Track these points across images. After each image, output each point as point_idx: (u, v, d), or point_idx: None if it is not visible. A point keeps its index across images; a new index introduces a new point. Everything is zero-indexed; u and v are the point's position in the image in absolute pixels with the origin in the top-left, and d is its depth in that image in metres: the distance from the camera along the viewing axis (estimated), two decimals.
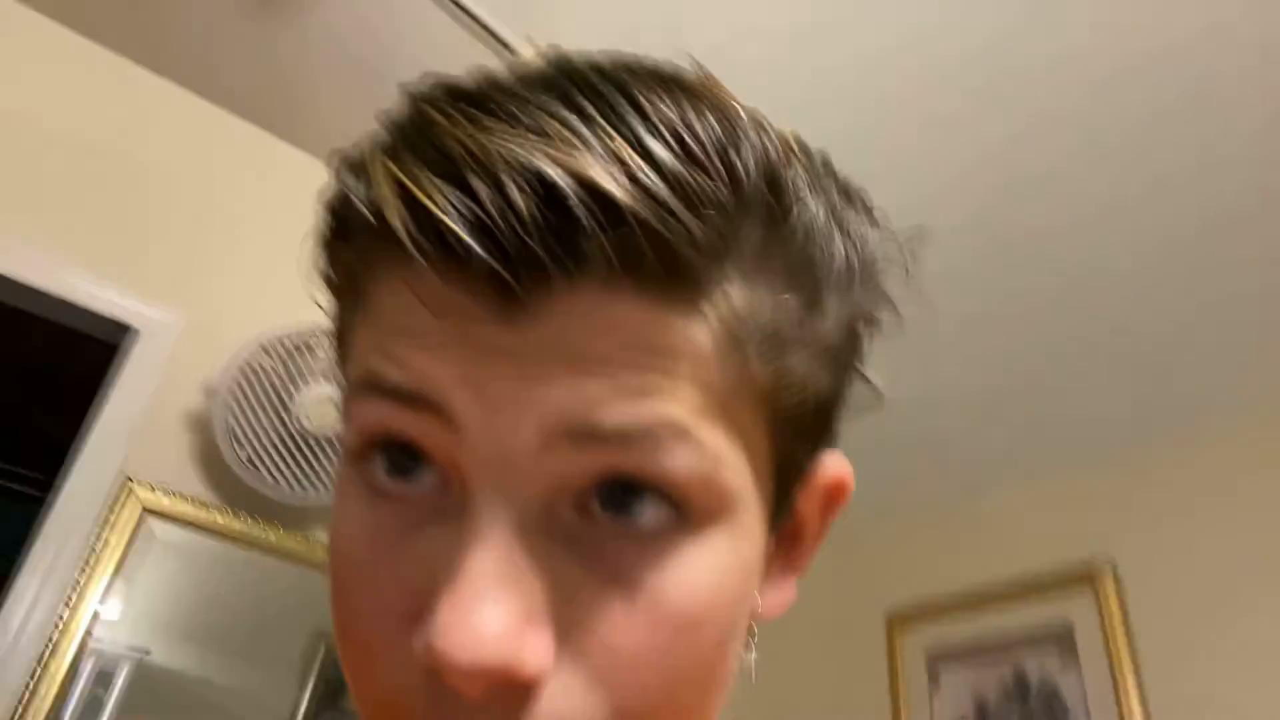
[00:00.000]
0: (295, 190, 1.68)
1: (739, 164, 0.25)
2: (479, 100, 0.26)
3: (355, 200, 0.26)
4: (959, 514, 2.47)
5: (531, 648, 0.24)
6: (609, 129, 0.24)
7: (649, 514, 0.25)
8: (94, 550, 1.26)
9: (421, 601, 0.24)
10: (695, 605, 0.26)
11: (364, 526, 0.27)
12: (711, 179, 0.25)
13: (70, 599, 1.22)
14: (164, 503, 1.33)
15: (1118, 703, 1.97)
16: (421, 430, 0.26)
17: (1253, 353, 1.86)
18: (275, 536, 1.42)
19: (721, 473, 0.26)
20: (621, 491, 0.25)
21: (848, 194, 0.31)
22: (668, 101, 0.26)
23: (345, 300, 0.30)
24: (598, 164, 0.23)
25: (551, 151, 0.23)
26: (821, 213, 0.28)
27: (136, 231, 1.48)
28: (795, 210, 0.27)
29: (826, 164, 0.30)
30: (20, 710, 1.15)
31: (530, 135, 0.24)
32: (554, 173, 0.23)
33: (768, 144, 0.27)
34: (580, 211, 0.23)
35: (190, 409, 1.39)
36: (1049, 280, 1.77)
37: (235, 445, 1.31)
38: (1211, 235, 1.61)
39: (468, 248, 0.23)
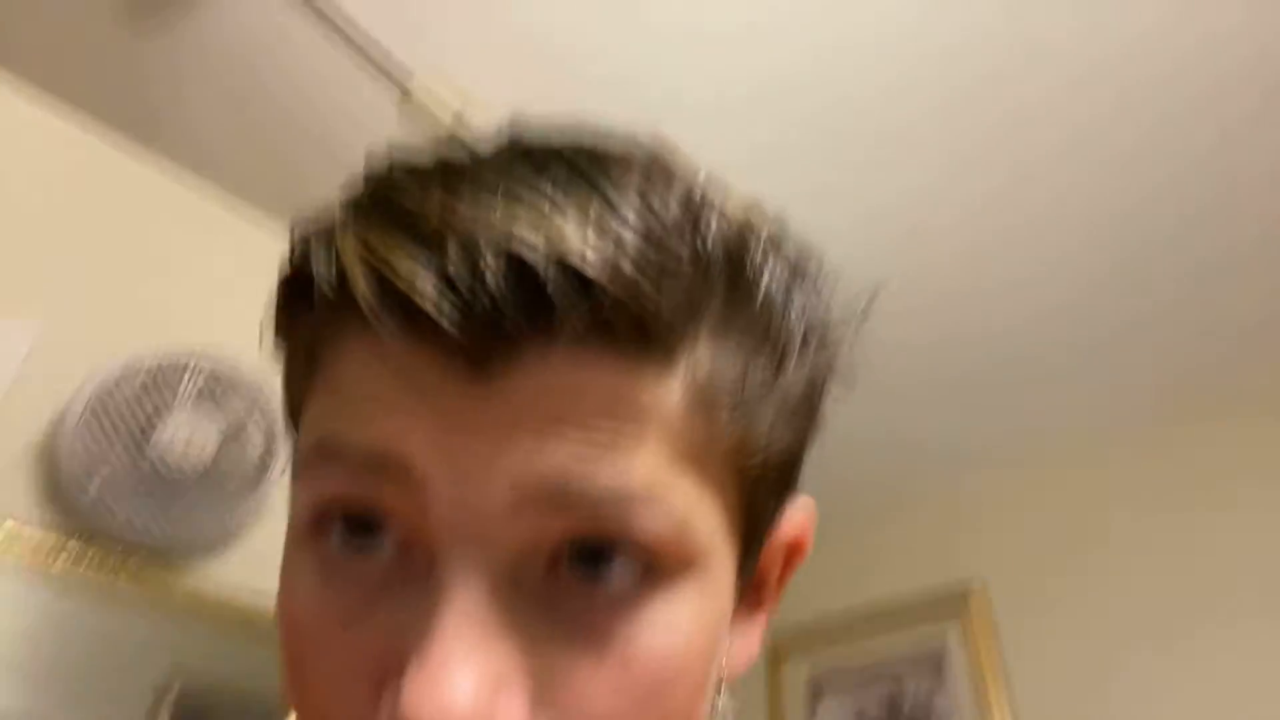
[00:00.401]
0: (173, 212, 1.59)
1: (702, 234, 0.26)
2: (447, 171, 0.26)
3: (319, 267, 0.25)
4: (838, 542, 2.54)
5: (503, 713, 0.23)
6: (578, 200, 0.25)
7: (619, 573, 0.26)
8: None
9: (386, 670, 0.24)
10: (667, 663, 0.26)
11: (319, 600, 0.26)
12: (677, 248, 0.25)
13: None
14: (2, 536, 1.21)
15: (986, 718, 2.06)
16: (384, 495, 0.25)
17: (1123, 382, 1.98)
18: (124, 578, 1.31)
19: (691, 530, 0.26)
20: (591, 553, 0.25)
21: (803, 258, 0.32)
22: (632, 175, 0.26)
23: (300, 368, 0.30)
24: (569, 233, 0.24)
25: (523, 220, 0.24)
26: (780, 278, 0.29)
27: None
28: (756, 276, 0.28)
29: (783, 230, 0.31)
30: None
31: (501, 204, 0.24)
32: (526, 240, 0.23)
33: (728, 213, 0.28)
34: (552, 278, 0.23)
35: (36, 435, 1.28)
36: (931, 309, 1.84)
37: (85, 477, 1.21)
38: (1105, 273, 1.72)
39: (438, 313, 0.23)
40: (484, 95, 1.47)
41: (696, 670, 0.27)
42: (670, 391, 0.26)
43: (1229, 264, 1.65)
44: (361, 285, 0.24)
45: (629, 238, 0.24)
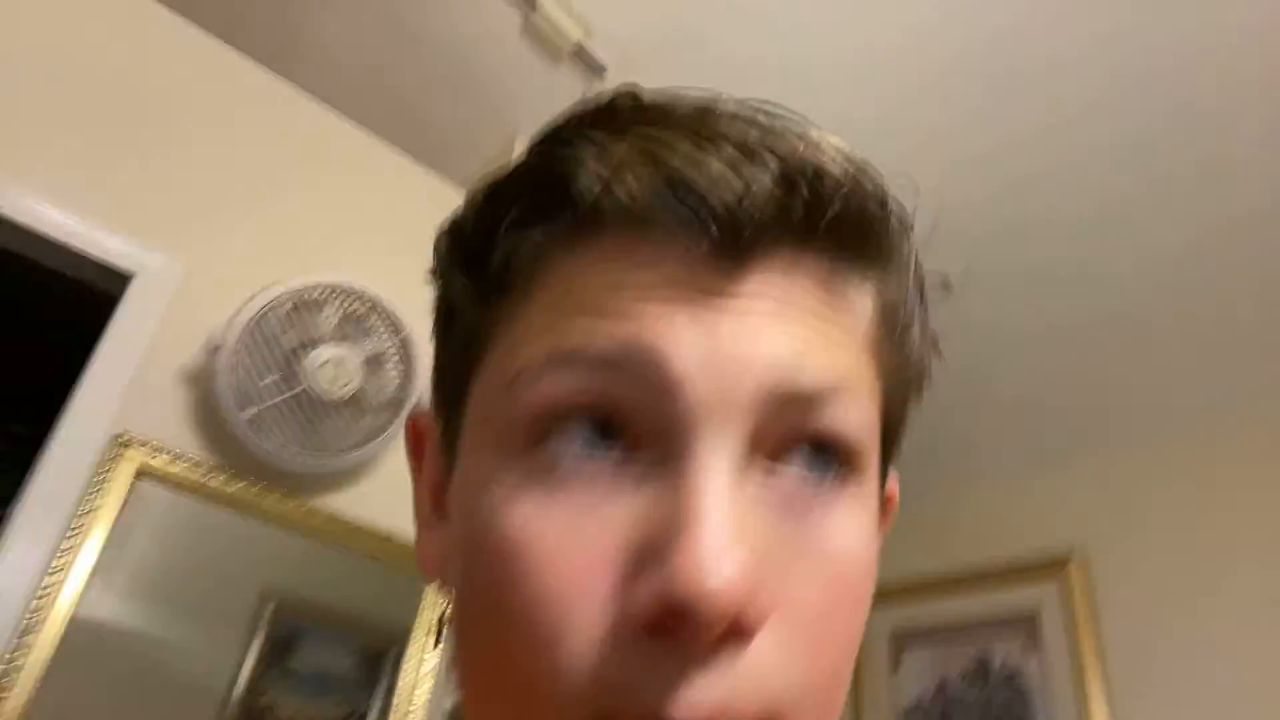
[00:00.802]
0: (309, 144, 1.59)
1: (883, 180, 0.30)
2: (686, 101, 0.30)
3: (579, 170, 0.27)
4: (934, 499, 2.51)
5: (764, 589, 0.24)
6: (804, 130, 0.28)
7: (827, 468, 0.27)
8: (84, 513, 1.17)
9: (637, 559, 0.24)
10: (859, 566, 0.27)
11: (544, 506, 0.26)
12: (882, 184, 0.29)
13: (57, 565, 1.14)
14: (159, 463, 1.24)
15: (1079, 686, 2.03)
16: (625, 390, 0.26)
17: (1225, 357, 1.91)
18: (265, 505, 1.34)
19: (873, 434, 0.29)
20: (809, 444, 0.27)
21: None
22: (823, 129, 0.30)
23: (504, 292, 0.30)
24: (809, 148, 0.27)
25: (769, 136, 0.27)
26: (915, 237, 0.32)
27: (138, 173, 1.37)
28: (911, 228, 0.31)
29: None
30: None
31: (750, 126, 0.28)
32: (782, 150, 0.27)
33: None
34: (802, 183, 0.27)
35: (189, 364, 1.31)
36: (1037, 281, 1.78)
37: (239, 407, 1.23)
38: (1201, 252, 1.64)
39: (709, 206, 0.26)
40: (607, 21, 1.42)
41: (870, 588, 0.28)
42: (870, 301, 0.30)
43: None
44: (632, 182, 0.26)
45: (853, 161, 0.28)
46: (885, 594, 2.46)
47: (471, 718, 0.28)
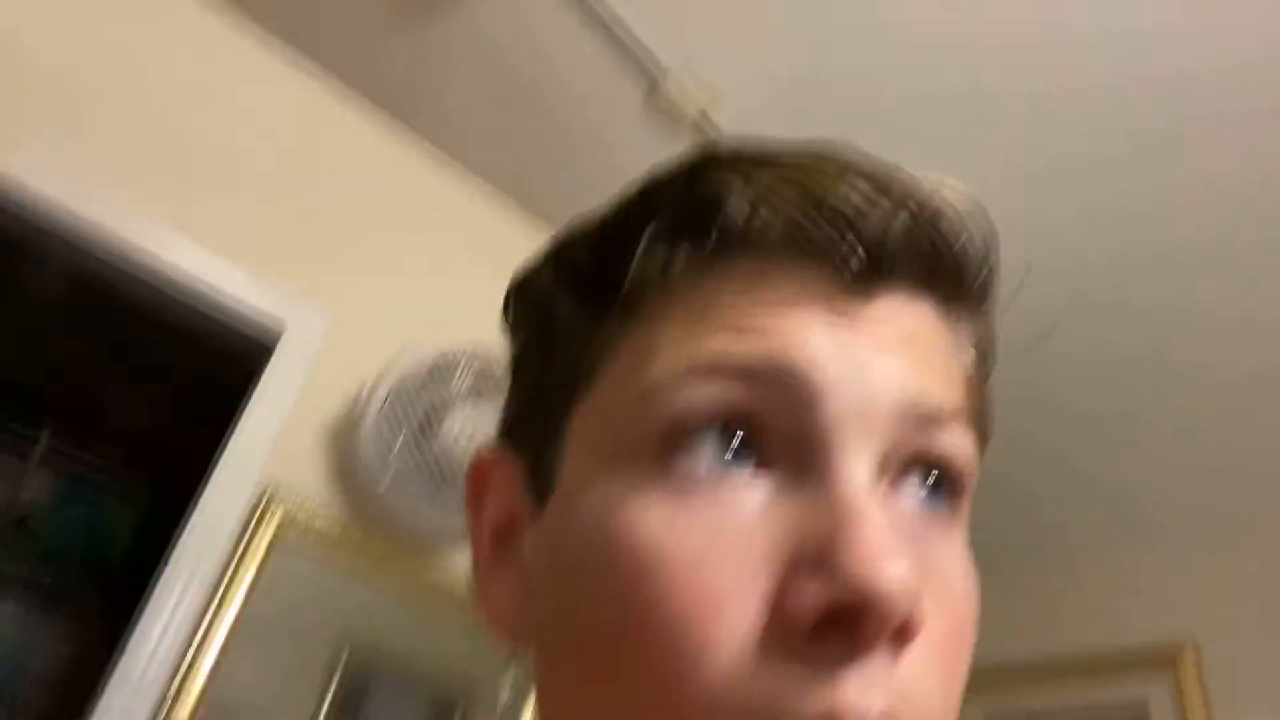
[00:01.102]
0: (438, 201, 1.64)
1: (994, 228, 0.31)
2: (819, 143, 0.31)
3: (731, 194, 0.28)
4: (1030, 580, 2.42)
5: (923, 596, 0.24)
6: (922, 173, 0.30)
7: (939, 496, 0.28)
8: (231, 568, 1.19)
9: (790, 565, 0.24)
10: (973, 599, 0.28)
11: (678, 519, 0.26)
12: (991, 229, 0.30)
13: (204, 622, 1.15)
14: (301, 519, 1.26)
15: None
16: (763, 400, 0.26)
17: None
18: (393, 563, 1.35)
19: (976, 469, 0.29)
20: (925, 469, 0.28)
21: None
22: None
23: (628, 311, 0.30)
24: (935, 189, 0.29)
25: (899, 174, 0.29)
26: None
27: (288, 230, 1.43)
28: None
29: None
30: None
31: (876, 163, 0.30)
32: (910, 186, 0.28)
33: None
34: (933, 220, 0.28)
35: (329, 422, 1.33)
36: (1158, 358, 1.74)
37: (381, 468, 1.25)
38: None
39: (855, 236, 0.27)
40: (730, 92, 1.45)
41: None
42: (971, 343, 0.31)
43: None
44: (781, 207, 0.28)
45: (976, 212, 0.29)
46: (978, 680, 2.35)
47: None
